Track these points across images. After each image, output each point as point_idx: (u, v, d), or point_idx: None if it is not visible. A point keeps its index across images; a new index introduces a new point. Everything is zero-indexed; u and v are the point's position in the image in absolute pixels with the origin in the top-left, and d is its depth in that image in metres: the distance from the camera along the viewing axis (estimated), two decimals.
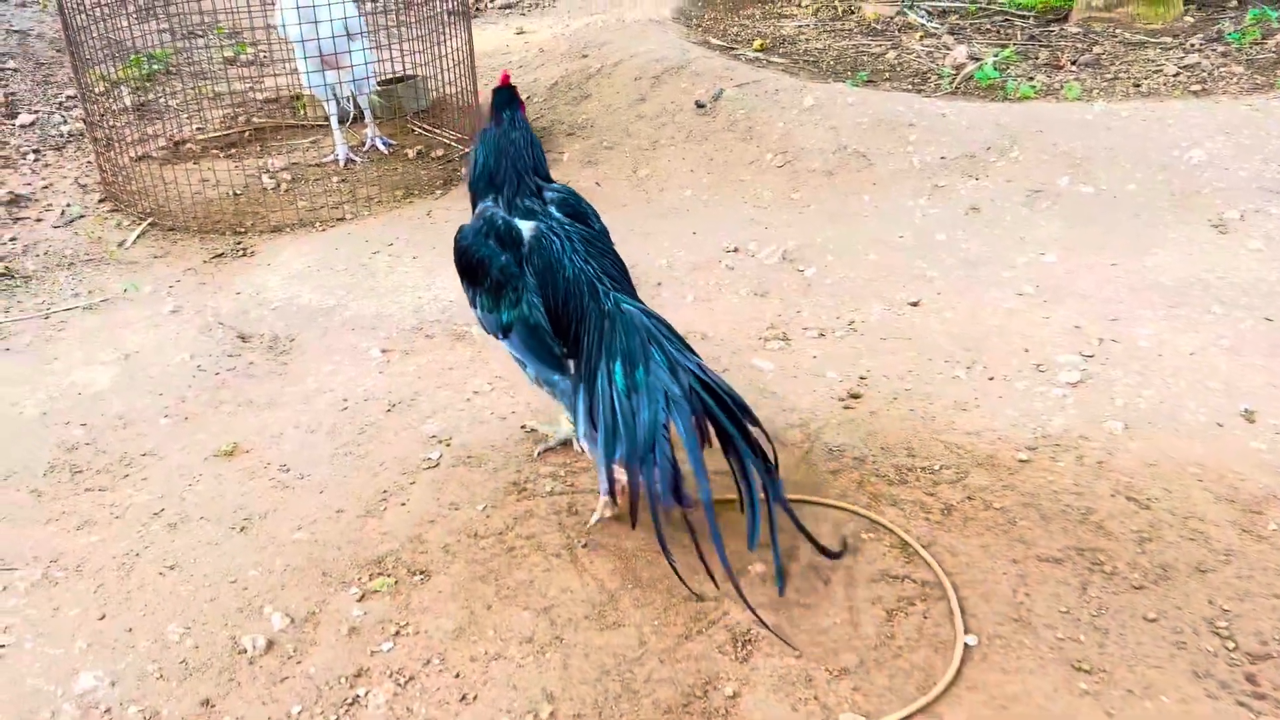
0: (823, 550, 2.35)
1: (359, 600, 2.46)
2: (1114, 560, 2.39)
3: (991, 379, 3.13)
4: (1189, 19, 6.47)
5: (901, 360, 3.26)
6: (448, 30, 5.33)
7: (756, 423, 2.36)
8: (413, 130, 5.88)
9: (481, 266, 2.61)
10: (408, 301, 3.92)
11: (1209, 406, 2.89)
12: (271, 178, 5.20)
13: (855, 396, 3.10)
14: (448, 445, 3.05)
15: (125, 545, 2.70)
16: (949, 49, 6.22)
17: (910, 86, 5.60)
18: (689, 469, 2.24)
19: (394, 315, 3.83)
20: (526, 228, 2.58)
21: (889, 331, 3.43)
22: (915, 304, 3.58)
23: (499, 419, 3.16)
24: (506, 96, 2.72)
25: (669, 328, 2.45)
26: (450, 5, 5.52)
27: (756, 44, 6.61)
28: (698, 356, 2.42)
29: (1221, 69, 5.29)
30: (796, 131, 4.74)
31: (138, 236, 4.64)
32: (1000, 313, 3.47)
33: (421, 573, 2.53)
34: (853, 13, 7.50)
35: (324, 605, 2.45)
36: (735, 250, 4.10)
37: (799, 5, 7.88)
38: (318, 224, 4.67)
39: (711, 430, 2.31)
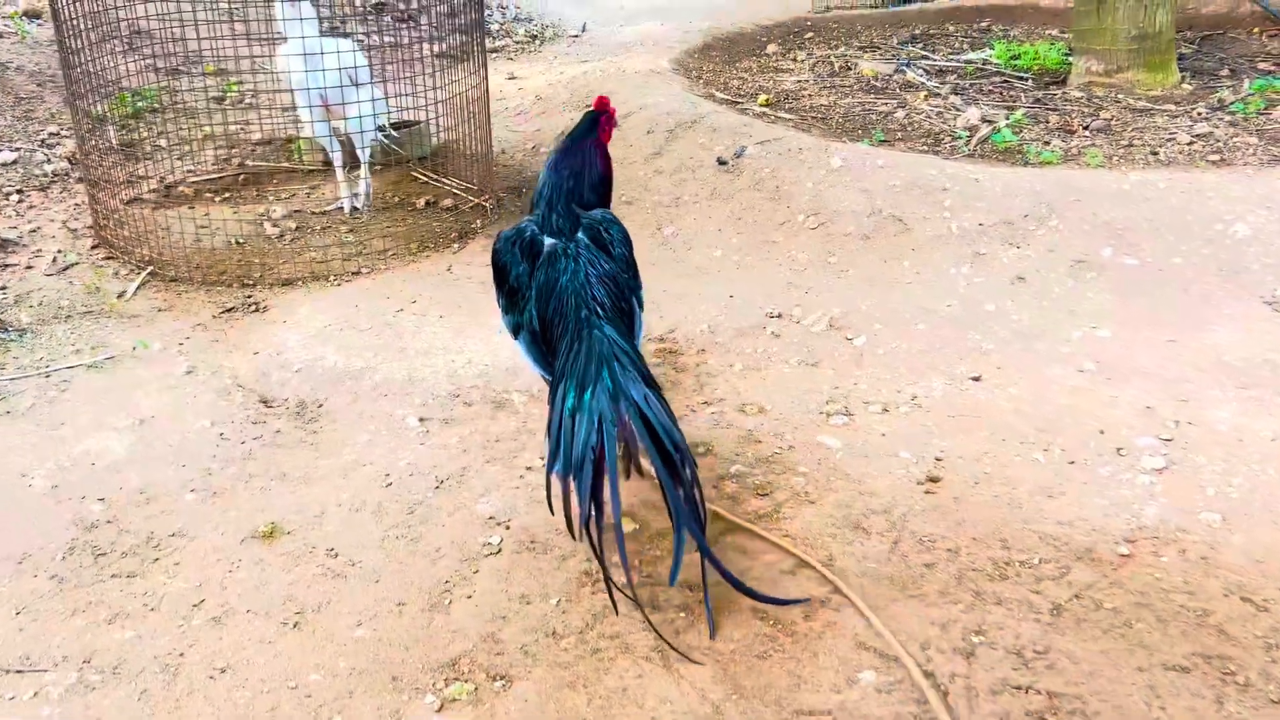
0: (756, 596, 2.44)
1: (438, 711, 2.25)
2: (1244, 670, 2.27)
3: (1072, 463, 3.02)
4: (1187, 86, 6.55)
5: (975, 440, 3.14)
6: (455, 71, 5.16)
7: (687, 465, 2.42)
8: (416, 179, 5.69)
9: (503, 271, 2.86)
10: (440, 365, 3.72)
11: None
12: (275, 226, 4.97)
13: (935, 480, 2.97)
14: (507, 529, 2.85)
15: (167, 643, 2.46)
16: (959, 110, 6.21)
17: (926, 147, 5.55)
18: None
19: (427, 380, 3.63)
20: (547, 243, 2.80)
21: (956, 409, 3.31)
22: (977, 379, 3.47)
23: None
24: (588, 123, 3.00)
25: (632, 358, 2.58)
26: (459, 45, 5.36)
27: (761, 99, 6.54)
28: (653, 389, 2.52)
29: (1235, 139, 5.32)
30: (827, 193, 4.64)
31: (138, 287, 4.38)
32: (1066, 390, 3.38)
33: (502, 678, 2.33)
34: (849, 69, 7.49)
35: (400, 717, 2.23)
36: (779, 316, 3.97)
37: (795, 60, 7.86)
38: (331, 278, 4.45)
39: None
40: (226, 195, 5.46)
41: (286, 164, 5.87)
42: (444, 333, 3.94)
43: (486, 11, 9.89)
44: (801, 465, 3.07)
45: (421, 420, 3.40)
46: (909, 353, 3.67)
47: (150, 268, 4.51)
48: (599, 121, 3.00)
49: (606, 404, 2.43)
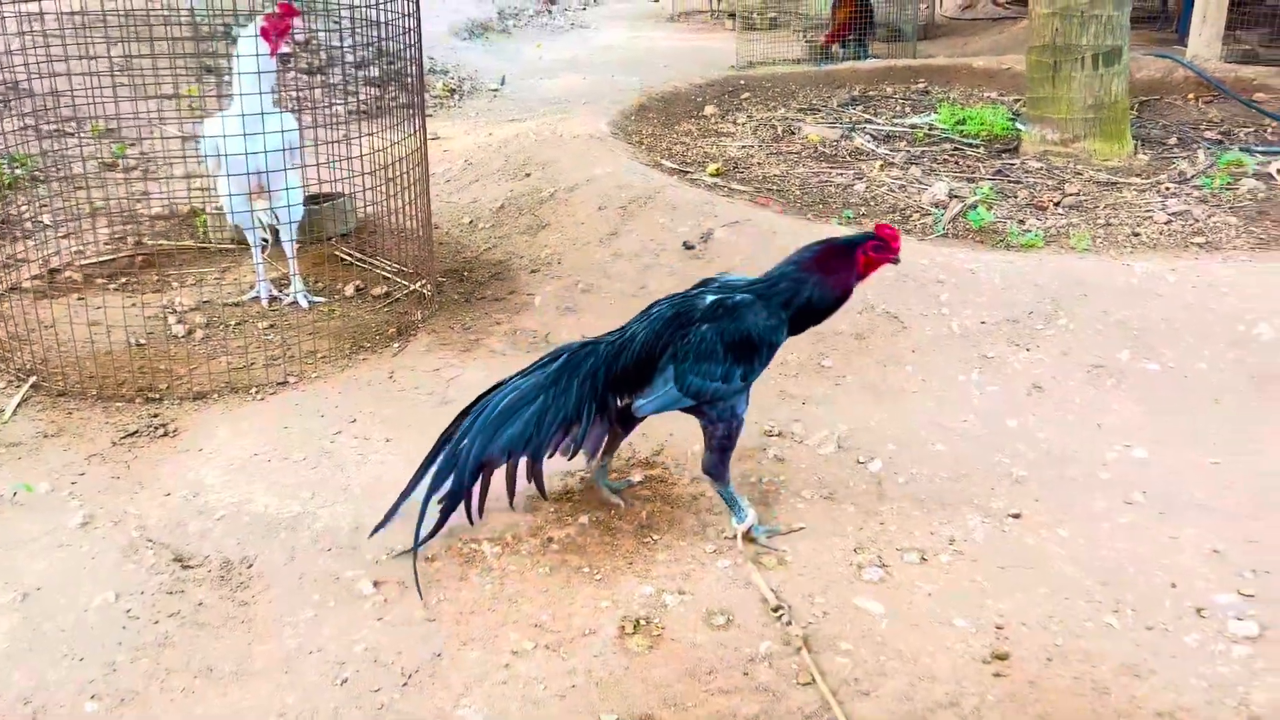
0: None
1: None
2: None
3: (1150, 629, 2.61)
4: (1142, 156, 6.40)
5: (1035, 600, 2.72)
6: (380, 130, 4.58)
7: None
8: (340, 259, 5.09)
9: None
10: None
11: None
12: (180, 321, 4.33)
13: (1002, 658, 2.53)
14: None
15: None
16: (921, 183, 5.91)
17: (895, 225, 5.21)
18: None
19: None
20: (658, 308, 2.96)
21: (1004, 557, 2.89)
22: (1017, 516, 3.06)
23: (557, 698, 2.44)
24: (856, 240, 2.85)
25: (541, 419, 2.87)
26: (388, 100, 4.79)
27: (711, 168, 6.14)
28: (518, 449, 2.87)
29: (1213, 219, 5.12)
30: None
31: (19, 404, 3.69)
32: (1121, 531, 2.99)
33: None
34: (794, 133, 7.18)
35: None
36: (779, 434, 3.52)
37: (735, 123, 7.52)
38: (253, 389, 3.83)
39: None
40: (122, 281, 4.78)
41: (191, 243, 5.21)
42: (394, 462, 3.37)
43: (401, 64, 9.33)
44: (843, 640, 2.60)
45: (376, 585, 2.83)
46: (933, 481, 3.24)
47: (33, 378, 3.82)
48: (866, 244, 2.82)
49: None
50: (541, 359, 3.02)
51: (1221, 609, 2.67)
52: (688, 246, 4.65)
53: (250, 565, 2.91)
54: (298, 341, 4.12)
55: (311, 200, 5.16)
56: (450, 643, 2.62)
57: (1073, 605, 2.70)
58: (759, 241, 4.55)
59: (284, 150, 4.25)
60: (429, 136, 7.42)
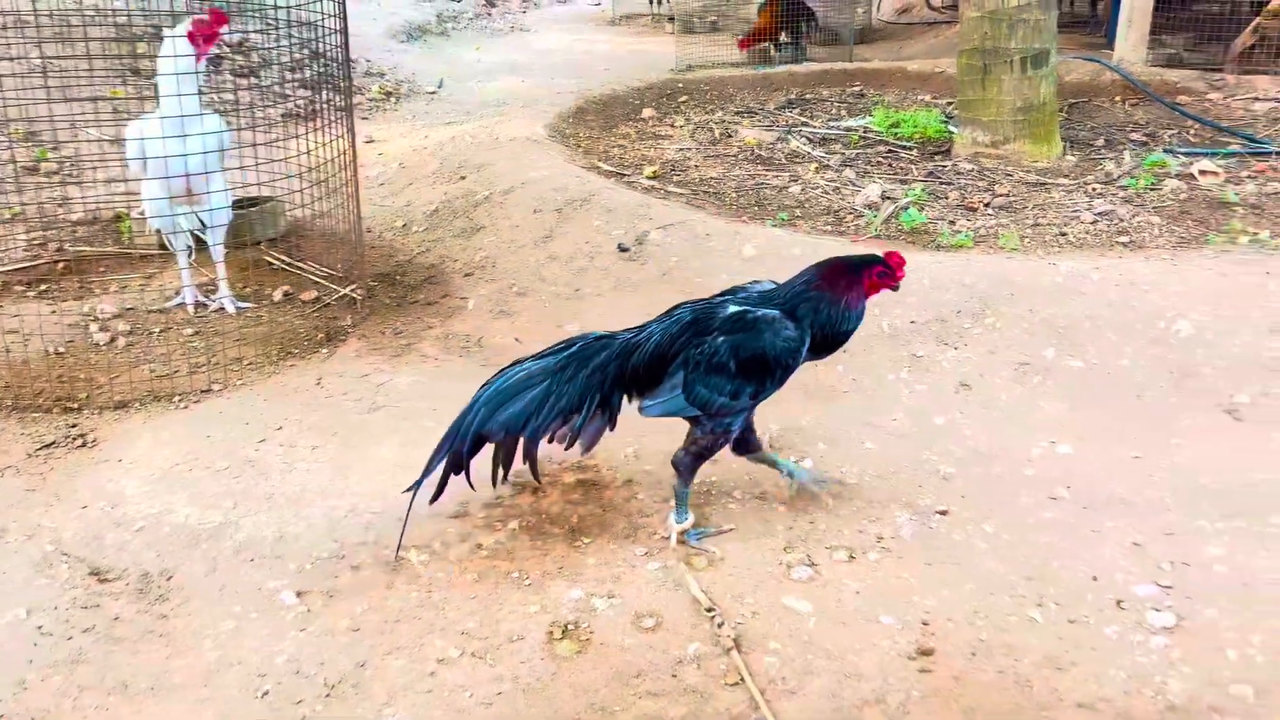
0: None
1: None
2: None
3: (1073, 621, 2.65)
4: (1071, 158, 6.52)
5: (961, 596, 2.74)
6: (311, 133, 4.51)
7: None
8: (269, 264, 5.00)
9: None
10: (318, 516, 3.09)
11: None
12: (103, 329, 4.22)
13: (927, 653, 2.55)
14: None
15: None
16: (855, 185, 5.96)
17: (829, 226, 5.26)
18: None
19: (303, 537, 3.00)
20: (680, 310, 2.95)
21: (930, 553, 2.91)
22: (944, 513, 3.09)
23: (483, 705, 2.41)
24: (861, 263, 2.86)
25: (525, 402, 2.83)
26: (317, 102, 4.71)
27: (649, 171, 6.15)
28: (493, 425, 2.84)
29: (1137, 219, 5.23)
30: None
31: None
32: (1045, 526, 3.03)
33: None
34: (731, 136, 7.21)
35: None
36: None
37: (674, 126, 7.53)
38: (176, 397, 3.75)
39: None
40: (42, 288, 4.65)
41: (114, 248, 5.09)
42: (320, 470, 3.31)
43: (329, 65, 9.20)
44: (771, 639, 2.60)
45: (300, 595, 2.78)
46: (862, 479, 3.27)
47: None
48: (874, 268, 2.83)
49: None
50: (556, 345, 2.94)
51: (1140, 601, 2.71)
52: (622, 249, 4.64)
53: (170, 578, 2.84)
54: (223, 348, 4.04)
55: (239, 204, 5.07)
56: (375, 652, 2.57)
57: (997, 600, 2.73)
58: (693, 244, 4.56)
59: (211, 153, 4.17)
60: (364, 140, 7.35)
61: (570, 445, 2.95)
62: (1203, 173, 6.01)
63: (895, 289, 2.89)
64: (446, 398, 3.70)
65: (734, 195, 5.79)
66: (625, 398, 2.91)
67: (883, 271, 2.83)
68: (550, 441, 2.92)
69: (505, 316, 4.42)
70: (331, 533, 3.02)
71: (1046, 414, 3.59)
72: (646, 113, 7.85)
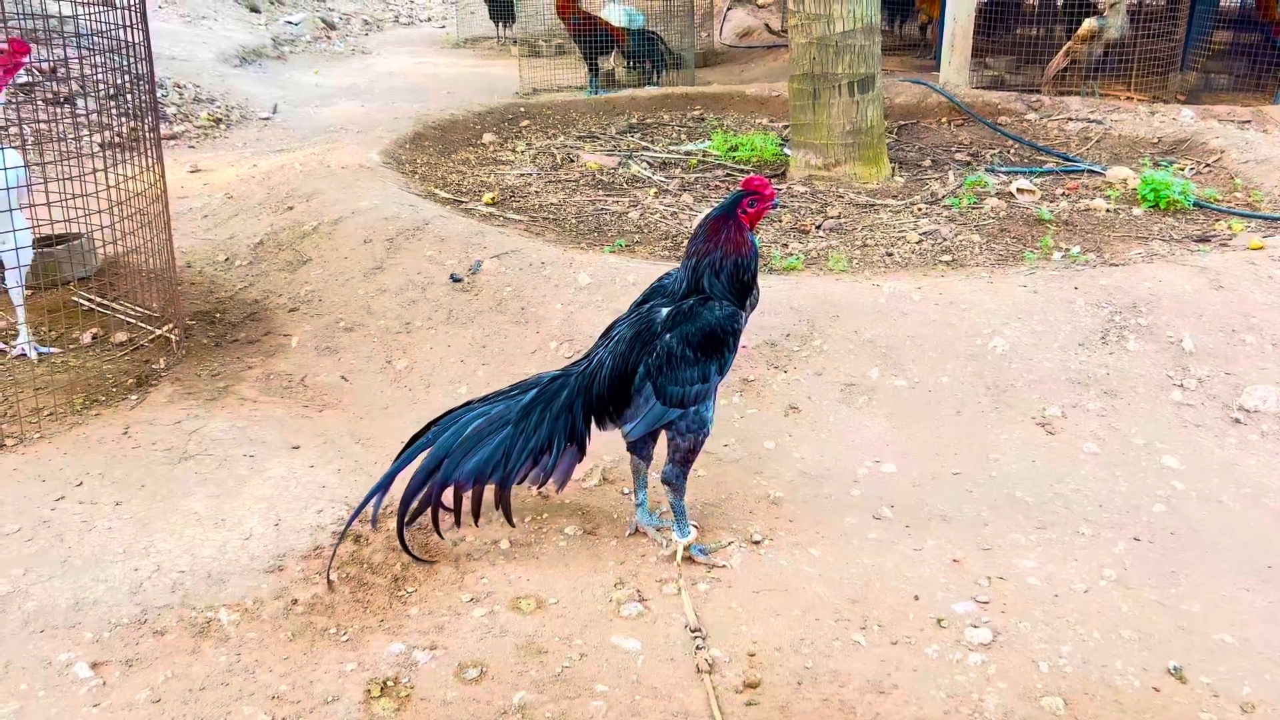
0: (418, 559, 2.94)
1: None
2: None
3: (895, 643, 2.69)
4: (899, 179, 6.73)
5: (787, 624, 2.75)
6: (122, 166, 4.28)
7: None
8: (79, 305, 4.70)
9: None
10: (119, 578, 2.89)
11: (1134, 665, 2.61)
12: None
13: (753, 686, 2.54)
14: None
15: None
16: (693, 209, 6.01)
17: (667, 252, 5.27)
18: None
19: (102, 602, 2.80)
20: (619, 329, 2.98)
21: (759, 581, 2.91)
22: (772, 539, 3.10)
23: None
24: (730, 202, 2.89)
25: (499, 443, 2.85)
26: (126, 133, 4.46)
27: (487, 197, 6.06)
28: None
29: (959, 237, 5.43)
30: (579, 315, 4.20)
31: None
32: (869, 547, 3.07)
33: None
34: (573, 161, 7.19)
35: None
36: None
37: (515, 151, 7.46)
38: None
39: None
40: None
41: None
42: (123, 528, 3.10)
43: (161, 91, 8.79)
44: (599, 682, 2.55)
45: (95, 666, 2.58)
46: (694, 508, 3.24)
47: None
48: (741, 203, 2.87)
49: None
50: (510, 388, 2.96)
51: (960, 618, 2.77)
52: (455, 279, 4.54)
53: None
54: (19, 399, 3.76)
55: (44, 241, 4.75)
56: None
57: (823, 625, 2.75)
58: (528, 272, 4.49)
59: (6, 190, 3.89)
60: (189, 169, 7.04)
61: (542, 485, 2.99)
62: (1020, 191, 6.29)
63: (775, 206, 2.95)
64: (264, 443, 3.54)
65: (574, 222, 5.75)
66: (596, 425, 2.96)
67: (752, 199, 2.87)
68: (521, 483, 2.93)
69: (331, 354, 4.25)
70: (133, 596, 2.82)
71: (872, 433, 3.66)
72: (487, 138, 7.76)
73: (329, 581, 2.89)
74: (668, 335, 2.85)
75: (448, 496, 2.90)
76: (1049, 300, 4.18)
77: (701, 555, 2.99)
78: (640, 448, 3.04)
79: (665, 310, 2.90)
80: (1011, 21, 11.54)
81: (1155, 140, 7.46)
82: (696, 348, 2.84)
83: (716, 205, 2.96)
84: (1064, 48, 9.28)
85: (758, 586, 2.89)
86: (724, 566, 2.96)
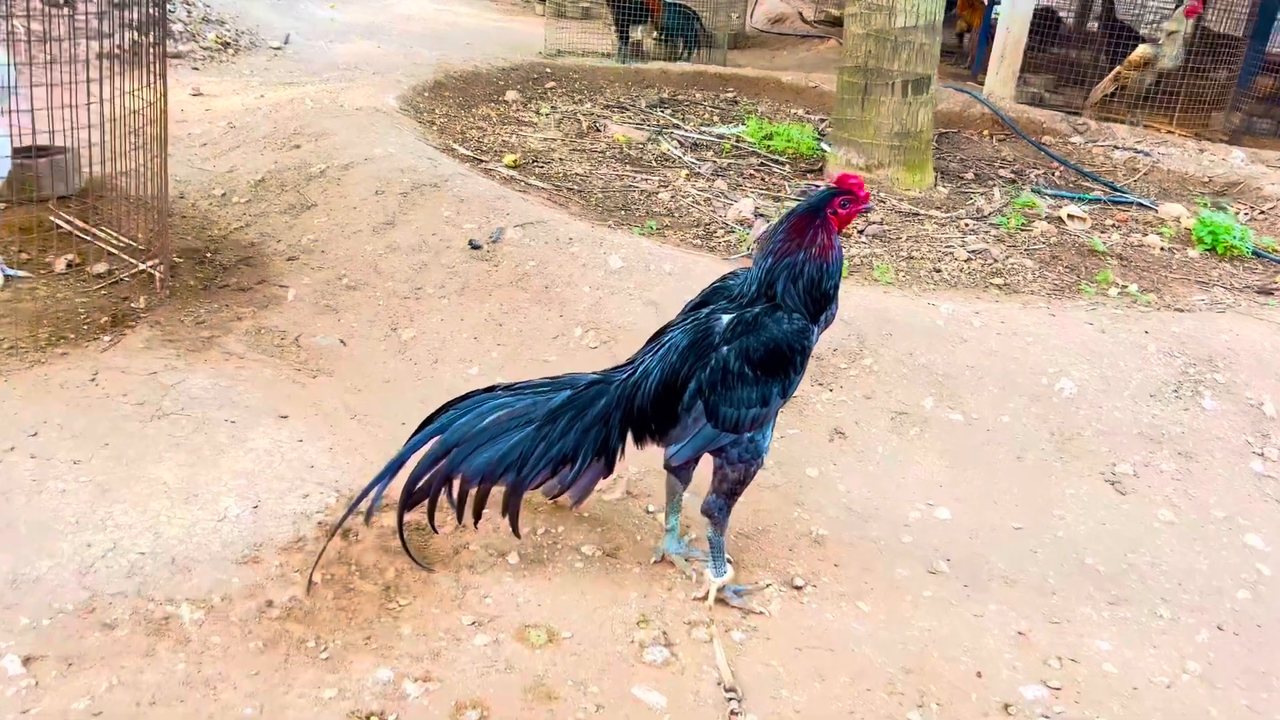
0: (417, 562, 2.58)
1: None
2: None
3: None
4: (942, 189, 6.37)
5: (834, 692, 2.39)
6: (118, 79, 3.83)
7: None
8: (56, 227, 4.26)
9: None
10: (68, 553, 2.49)
11: None
12: None
13: None
14: None
15: None
16: (727, 197, 5.62)
17: (699, 240, 4.89)
18: None
19: (45, 580, 2.41)
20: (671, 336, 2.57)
21: (801, 635, 2.55)
22: (816, 585, 2.74)
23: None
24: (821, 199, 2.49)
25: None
26: (127, 45, 4.00)
27: (509, 159, 5.64)
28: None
29: (1010, 260, 5.08)
30: (608, 301, 3.81)
31: None
32: (925, 606, 2.72)
33: None
34: (599, 130, 6.77)
35: None
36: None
37: (539, 114, 7.03)
38: None
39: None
40: None
41: None
42: (79, 492, 2.70)
43: (169, 6, 8.28)
44: None
45: (28, 662, 2.19)
46: (728, 537, 2.87)
47: None
48: (832, 202, 2.46)
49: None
50: (541, 383, 2.56)
51: (1029, 705, 2.43)
52: (474, 246, 4.14)
53: None
54: None
55: (23, 153, 4.30)
56: None
57: (874, 698, 2.39)
58: (554, 247, 4.10)
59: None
60: (190, 91, 6.57)
61: (557, 496, 2.61)
62: (1071, 217, 5.94)
63: (867, 211, 2.55)
64: (248, 408, 3.15)
65: (600, 196, 5.35)
66: (634, 442, 2.59)
67: (845, 199, 2.47)
68: (535, 490, 2.56)
69: (330, 313, 3.85)
70: (82, 577, 2.43)
71: (924, 471, 3.31)
72: (510, 95, 7.32)
73: (311, 583, 2.50)
74: (725, 348, 2.46)
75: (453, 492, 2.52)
76: (1118, 342, 3.83)
77: (736, 598, 2.63)
78: (681, 470, 2.67)
79: (726, 319, 2.50)
80: (1052, 38, 11.19)
81: (1205, 180, 7.13)
82: (758, 365, 2.45)
83: (802, 201, 2.58)
84: (1114, 72, 8.95)
85: (800, 642, 2.53)
86: (761, 614, 2.60)
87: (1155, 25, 11.02)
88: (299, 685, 2.22)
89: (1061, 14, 11.55)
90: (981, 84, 9.07)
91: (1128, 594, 2.85)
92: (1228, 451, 3.46)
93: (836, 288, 2.52)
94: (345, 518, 2.59)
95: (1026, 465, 3.36)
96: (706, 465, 2.64)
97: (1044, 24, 10.57)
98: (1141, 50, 8.73)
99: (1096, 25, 11.24)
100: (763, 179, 6.21)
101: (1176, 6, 9.26)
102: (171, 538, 2.58)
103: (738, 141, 6.91)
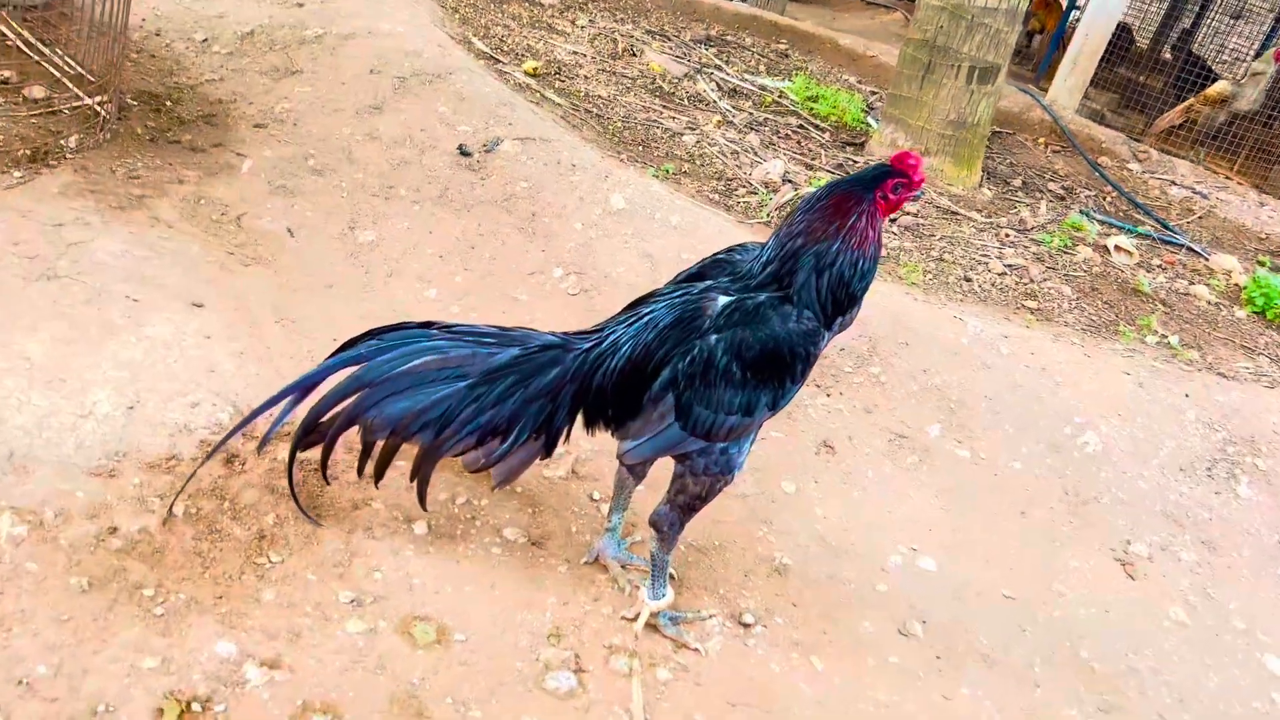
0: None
1: None
2: None
3: None
4: (987, 191, 5.88)
5: None
6: None
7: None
8: (3, 38, 3.75)
9: None
10: None
11: None
12: None
13: None
14: None
15: None
16: (756, 155, 5.12)
17: (717, 195, 4.41)
18: None
19: None
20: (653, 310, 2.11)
21: (737, 685, 2.14)
22: (767, 625, 2.32)
23: None
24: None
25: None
26: None
27: (528, 65, 5.12)
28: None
29: (1047, 283, 4.62)
30: (599, 244, 3.35)
31: None
32: (888, 676, 2.30)
33: None
34: (635, 55, 6.22)
35: None
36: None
37: (574, 23, 6.47)
38: None
39: None
40: None
41: None
42: None
43: None
44: None
45: None
46: (677, 549, 2.45)
47: None
48: (885, 184, 2.00)
49: None
50: (485, 331, 2.08)
51: None
52: (464, 152, 3.65)
53: None
54: None
55: None
56: None
57: None
58: (552, 171, 3.62)
59: None
60: None
61: (478, 470, 2.12)
62: (1118, 248, 5.47)
63: (916, 198, 2.08)
64: (159, 286, 2.69)
65: (619, 125, 4.85)
66: (584, 425, 2.12)
67: (899, 183, 2.01)
68: (453, 457, 2.09)
69: (285, 195, 3.37)
70: None
71: (915, 508, 2.88)
72: None
73: (170, 513, 2.07)
74: (714, 336, 1.99)
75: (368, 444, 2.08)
76: (1155, 402, 3.39)
77: (671, 627, 2.21)
78: (636, 466, 2.23)
79: (723, 300, 2.02)
80: (1122, 58, 10.60)
81: (1262, 235, 6.65)
82: (749, 365, 1.98)
83: (848, 176, 2.10)
84: (1186, 103, 8.40)
85: (735, 695, 2.11)
86: (697, 650, 2.18)
87: (1230, 65, 10.47)
88: (115, 645, 1.80)
89: (1136, 35, 10.96)
90: (1044, 90, 8.53)
91: (1122, 702, 2.44)
92: (1257, 550, 3.04)
93: (866, 290, 2.06)
94: (228, 438, 2.15)
95: (1032, 524, 2.93)
96: (666, 461, 2.20)
97: (1117, 42, 10.00)
98: (1220, 86, 8.19)
99: (1169, 53, 10.69)
100: (799, 142, 5.70)
101: (1262, 50, 8.71)
102: (16, 425, 2.14)
103: (780, 97, 6.38)
